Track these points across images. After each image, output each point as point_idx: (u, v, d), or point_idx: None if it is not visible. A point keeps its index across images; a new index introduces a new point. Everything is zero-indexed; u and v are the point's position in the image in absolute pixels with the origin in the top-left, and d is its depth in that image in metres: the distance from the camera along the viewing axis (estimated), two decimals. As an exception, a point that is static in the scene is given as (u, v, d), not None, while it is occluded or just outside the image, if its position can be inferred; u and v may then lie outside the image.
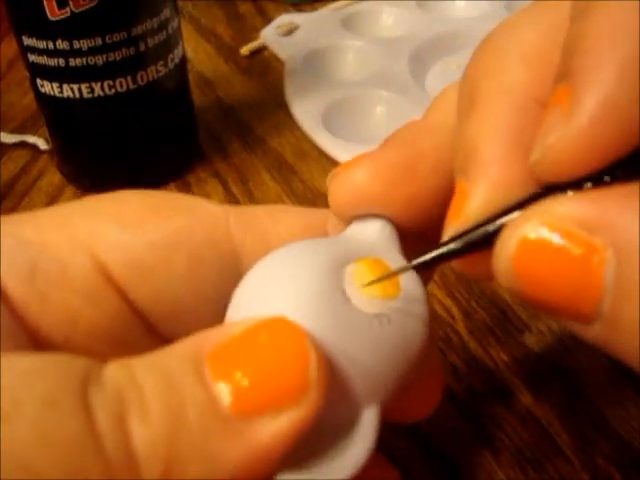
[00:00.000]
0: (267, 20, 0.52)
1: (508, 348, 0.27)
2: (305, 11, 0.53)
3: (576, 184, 0.13)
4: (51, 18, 0.30)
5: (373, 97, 0.41)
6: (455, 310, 0.29)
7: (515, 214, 0.14)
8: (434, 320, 0.28)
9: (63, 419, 0.12)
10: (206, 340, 0.14)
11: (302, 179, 0.37)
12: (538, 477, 0.23)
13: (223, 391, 0.13)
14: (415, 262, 0.15)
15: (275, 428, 0.13)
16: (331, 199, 0.18)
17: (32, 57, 0.32)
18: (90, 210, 0.17)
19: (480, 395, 0.25)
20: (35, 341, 0.15)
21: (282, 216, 0.18)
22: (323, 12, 0.52)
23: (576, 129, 0.13)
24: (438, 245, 0.15)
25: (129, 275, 0.16)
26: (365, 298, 0.15)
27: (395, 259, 0.17)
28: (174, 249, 0.17)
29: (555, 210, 0.13)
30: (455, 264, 0.16)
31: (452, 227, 0.15)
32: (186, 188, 0.37)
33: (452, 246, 0.15)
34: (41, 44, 0.31)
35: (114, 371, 0.13)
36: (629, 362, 0.13)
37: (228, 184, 0.37)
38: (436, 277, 0.30)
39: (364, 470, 0.14)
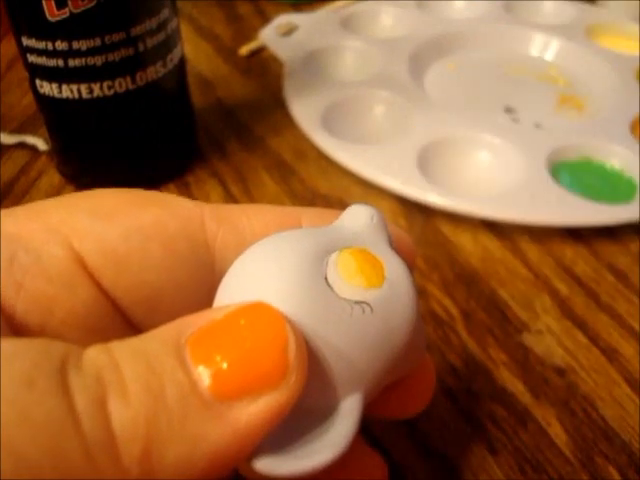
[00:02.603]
0: (266, 20, 0.52)
1: (507, 348, 0.27)
2: (304, 11, 0.53)
3: None
4: (50, 19, 0.30)
5: (372, 97, 0.41)
6: (454, 310, 0.29)
7: None
8: (428, 318, 0.28)
9: (41, 398, 0.12)
10: (187, 325, 0.14)
11: (301, 179, 0.37)
12: (537, 477, 0.23)
13: (203, 374, 0.13)
14: None
15: (254, 411, 0.13)
16: None
17: (31, 58, 0.32)
18: (64, 203, 0.17)
19: (479, 395, 0.25)
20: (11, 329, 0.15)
21: (257, 212, 0.18)
22: (322, 12, 0.52)
23: None
24: None
25: (103, 264, 0.16)
26: (347, 286, 0.15)
27: (382, 249, 0.17)
28: (148, 239, 0.17)
29: None
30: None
31: None
32: (185, 188, 0.37)
33: None
34: (40, 45, 0.31)
35: (94, 354, 0.13)
36: None
37: (227, 184, 0.37)
38: (435, 277, 0.31)
39: (349, 461, 0.14)
